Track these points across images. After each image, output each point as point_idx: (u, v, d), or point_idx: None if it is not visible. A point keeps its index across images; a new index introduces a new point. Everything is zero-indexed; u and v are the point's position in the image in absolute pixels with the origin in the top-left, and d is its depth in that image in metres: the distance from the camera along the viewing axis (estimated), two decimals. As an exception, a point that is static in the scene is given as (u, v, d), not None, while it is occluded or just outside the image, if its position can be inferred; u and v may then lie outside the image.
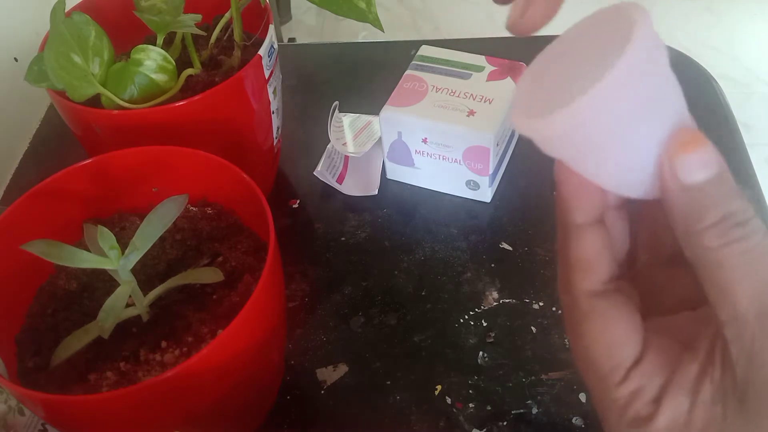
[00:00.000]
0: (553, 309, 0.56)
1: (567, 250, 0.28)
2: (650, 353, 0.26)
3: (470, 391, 0.52)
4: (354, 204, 0.66)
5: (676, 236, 0.25)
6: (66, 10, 0.51)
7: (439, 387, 0.52)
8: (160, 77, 0.53)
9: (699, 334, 0.26)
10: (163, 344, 0.42)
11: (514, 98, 0.28)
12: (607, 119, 0.24)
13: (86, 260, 0.42)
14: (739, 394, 0.24)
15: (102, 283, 0.48)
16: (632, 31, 0.24)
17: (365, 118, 0.71)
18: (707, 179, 0.24)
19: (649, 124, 0.25)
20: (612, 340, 0.26)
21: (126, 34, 0.58)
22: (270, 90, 0.57)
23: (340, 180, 0.67)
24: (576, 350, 0.28)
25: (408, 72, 0.65)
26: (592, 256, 0.27)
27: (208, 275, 0.46)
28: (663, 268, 0.30)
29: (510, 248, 0.61)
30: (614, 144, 0.25)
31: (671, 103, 0.26)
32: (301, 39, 2.08)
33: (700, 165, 0.24)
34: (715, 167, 0.24)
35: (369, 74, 0.78)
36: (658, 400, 0.25)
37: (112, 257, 0.41)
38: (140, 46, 0.53)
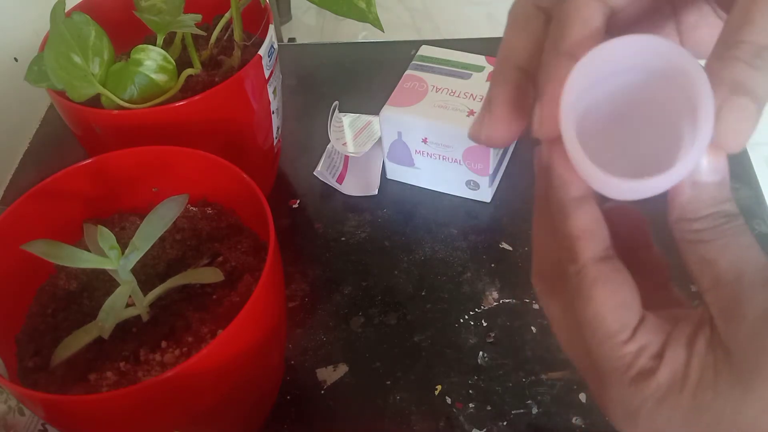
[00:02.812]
0: (553, 309, 0.56)
1: (566, 224, 0.30)
2: (650, 315, 0.29)
3: (470, 391, 0.52)
4: (354, 204, 0.66)
5: (669, 220, 0.29)
6: (66, 10, 0.51)
7: (439, 387, 0.52)
8: (160, 77, 0.53)
9: (680, 315, 0.29)
10: (163, 344, 0.42)
11: (562, 115, 0.27)
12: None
13: (86, 260, 0.42)
14: (724, 349, 0.27)
15: (102, 283, 0.48)
16: (700, 121, 0.25)
17: (365, 118, 0.70)
18: (714, 182, 0.27)
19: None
20: (620, 301, 0.29)
21: (126, 34, 0.58)
22: (270, 90, 0.58)
23: (340, 180, 0.67)
24: (583, 317, 0.30)
25: (408, 72, 0.65)
26: (595, 224, 0.30)
27: (208, 275, 0.46)
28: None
29: (510, 248, 0.61)
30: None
31: None
32: (301, 39, 2.08)
33: (713, 169, 0.27)
34: (723, 174, 0.27)
35: (369, 74, 0.78)
36: (660, 355, 0.28)
37: (112, 257, 0.41)
38: (140, 46, 0.53)
